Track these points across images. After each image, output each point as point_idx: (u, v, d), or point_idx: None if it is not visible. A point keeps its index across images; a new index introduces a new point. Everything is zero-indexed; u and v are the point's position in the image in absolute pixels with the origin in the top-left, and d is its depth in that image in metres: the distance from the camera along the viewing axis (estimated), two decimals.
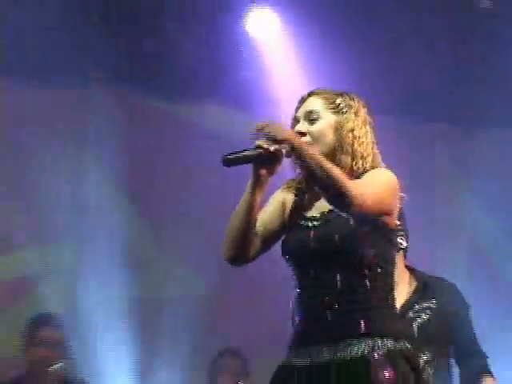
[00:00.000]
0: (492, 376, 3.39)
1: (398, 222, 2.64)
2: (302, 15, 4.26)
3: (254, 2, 4.21)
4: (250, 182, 2.31)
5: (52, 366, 3.86)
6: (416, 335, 3.15)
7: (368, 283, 2.27)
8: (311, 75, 4.30)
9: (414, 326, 3.24)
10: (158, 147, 4.92)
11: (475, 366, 3.37)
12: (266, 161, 2.25)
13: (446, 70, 4.69)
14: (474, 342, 3.38)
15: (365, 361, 2.25)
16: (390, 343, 2.26)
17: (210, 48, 4.34)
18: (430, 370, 3.19)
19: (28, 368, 4.08)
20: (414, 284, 3.29)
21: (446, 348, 3.33)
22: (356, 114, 2.37)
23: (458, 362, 3.36)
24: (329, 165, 2.09)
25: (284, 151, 2.22)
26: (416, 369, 2.30)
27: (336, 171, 2.08)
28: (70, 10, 4.39)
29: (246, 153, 2.23)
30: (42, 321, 4.24)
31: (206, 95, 4.82)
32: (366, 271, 2.28)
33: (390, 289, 2.36)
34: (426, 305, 3.30)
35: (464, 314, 3.38)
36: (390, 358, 2.25)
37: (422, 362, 2.93)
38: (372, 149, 2.34)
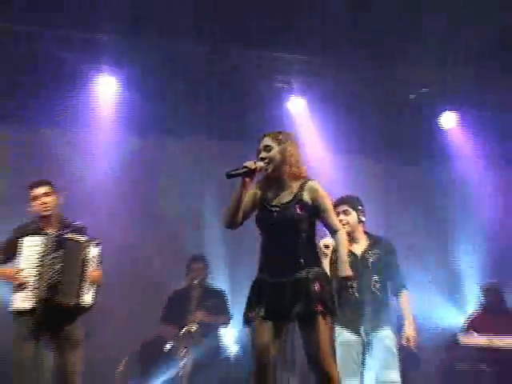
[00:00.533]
0: (407, 290, 5.25)
1: (360, 207, 5.07)
2: (320, 100, 7.13)
3: (292, 94, 7.14)
4: (239, 185, 3.95)
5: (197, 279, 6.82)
6: (370, 268, 5.13)
7: (303, 240, 3.98)
8: (325, 139, 7.19)
9: (370, 262, 5.19)
10: None
11: (398, 284, 5.23)
12: (249, 174, 3.92)
13: None
14: (399, 272, 5.29)
15: (304, 279, 3.94)
16: (316, 270, 3.97)
17: (264, 120, 7.12)
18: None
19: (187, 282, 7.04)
20: (369, 240, 5.22)
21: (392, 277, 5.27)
22: (291, 142, 4.03)
23: (390, 286, 5.21)
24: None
25: (258, 168, 3.91)
26: (330, 285, 4.03)
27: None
28: None
29: (238, 170, 3.89)
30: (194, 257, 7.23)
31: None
32: (302, 234, 3.99)
33: (314, 243, 4.11)
34: (375, 251, 5.18)
35: (394, 257, 5.31)
36: (318, 277, 3.95)
37: (376, 286, 5.10)
38: (300, 162, 4.03)
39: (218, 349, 6.91)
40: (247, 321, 4.17)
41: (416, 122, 7.49)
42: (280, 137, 4.10)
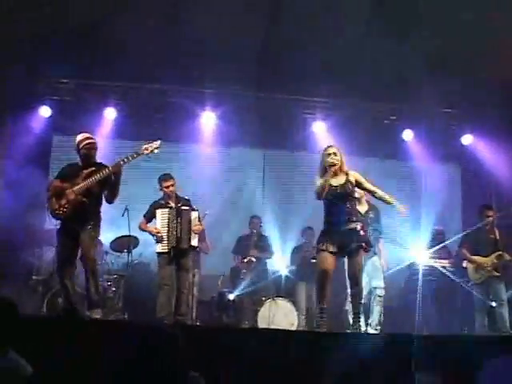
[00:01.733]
0: (382, 239, 8.37)
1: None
2: (337, 124, 11.40)
3: (315, 121, 11.54)
4: (328, 173, 6.80)
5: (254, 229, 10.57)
6: (370, 221, 7.91)
7: (352, 205, 6.87)
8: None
9: (369, 216, 8.02)
10: None
11: (378, 232, 8.24)
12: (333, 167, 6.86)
13: None
14: (380, 225, 8.43)
15: (355, 228, 6.81)
16: (360, 222, 6.92)
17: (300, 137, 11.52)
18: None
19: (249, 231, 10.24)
20: (368, 207, 8.21)
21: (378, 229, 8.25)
22: (342, 153, 7.00)
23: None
24: None
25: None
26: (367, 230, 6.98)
27: None
28: None
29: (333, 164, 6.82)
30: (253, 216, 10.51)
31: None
32: (352, 201, 6.86)
33: (356, 206, 7.08)
34: (371, 213, 8.11)
35: (379, 217, 8.30)
36: (362, 227, 6.85)
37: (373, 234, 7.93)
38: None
39: (265, 272, 10.28)
40: (318, 250, 6.83)
41: (389, 136, 11.79)
42: (339, 149, 7.02)
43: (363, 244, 6.81)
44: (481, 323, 8.88)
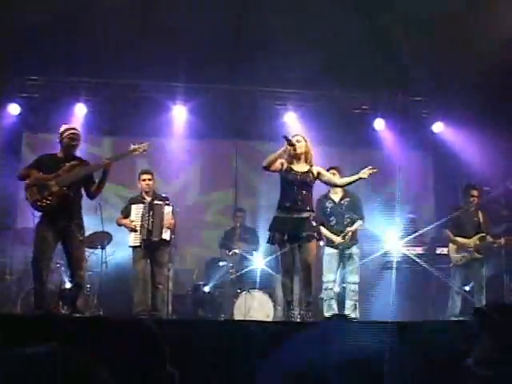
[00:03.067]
0: (362, 219, 8.46)
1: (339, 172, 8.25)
2: (308, 116, 11.57)
3: (287, 111, 11.59)
4: (283, 149, 6.88)
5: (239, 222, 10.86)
6: (343, 210, 8.28)
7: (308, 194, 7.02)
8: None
9: (345, 204, 8.30)
10: None
11: (358, 215, 8.42)
12: (291, 145, 6.82)
13: None
14: (361, 210, 8.53)
15: (308, 219, 6.97)
16: (312, 212, 7.03)
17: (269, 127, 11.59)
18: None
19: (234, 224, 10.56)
20: (343, 192, 8.35)
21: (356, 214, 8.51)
22: (308, 142, 7.17)
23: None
24: None
25: (295, 145, 6.88)
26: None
27: None
28: None
29: (291, 139, 6.84)
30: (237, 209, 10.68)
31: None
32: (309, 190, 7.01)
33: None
34: (345, 200, 8.38)
35: (358, 203, 8.50)
36: (314, 217, 7.04)
37: (347, 221, 8.35)
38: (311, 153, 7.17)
39: (248, 262, 10.13)
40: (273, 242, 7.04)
41: (361, 126, 11.94)
42: (305, 138, 7.23)
43: (315, 234, 6.95)
44: (454, 307, 8.99)
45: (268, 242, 7.11)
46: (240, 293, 9.54)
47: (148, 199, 8.65)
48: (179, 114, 11.58)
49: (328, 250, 8.38)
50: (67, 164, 6.97)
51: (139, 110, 11.24)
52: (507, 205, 10.04)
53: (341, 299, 8.52)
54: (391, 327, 5.67)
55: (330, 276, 8.28)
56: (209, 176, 12.07)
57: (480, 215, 9.30)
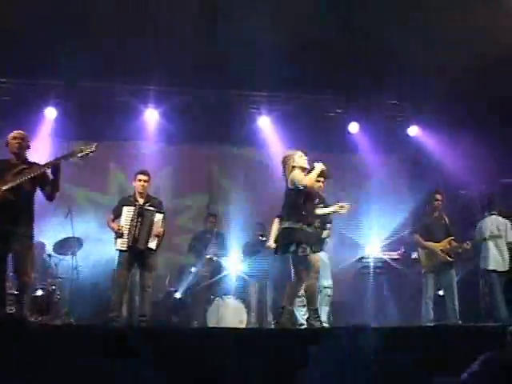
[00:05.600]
0: (331, 223, 8.30)
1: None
2: (282, 120, 11.66)
3: (260, 115, 11.74)
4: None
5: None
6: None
7: None
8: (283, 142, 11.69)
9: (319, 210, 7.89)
10: None
11: (328, 220, 8.29)
12: None
13: None
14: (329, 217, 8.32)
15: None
16: None
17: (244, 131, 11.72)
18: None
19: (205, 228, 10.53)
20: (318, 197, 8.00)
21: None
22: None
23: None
24: None
25: None
26: None
27: None
28: None
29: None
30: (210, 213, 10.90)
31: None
32: None
33: None
34: (319, 204, 7.94)
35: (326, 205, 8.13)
36: None
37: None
38: None
39: (219, 269, 10.24)
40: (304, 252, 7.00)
41: (335, 129, 12.05)
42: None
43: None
44: (427, 313, 9.06)
45: (285, 253, 7.13)
46: (213, 299, 9.60)
47: (140, 201, 8.51)
48: (151, 118, 11.63)
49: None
50: (15, 169, 6.96)
51: (111, 113, 11.21)
52: (482, 208, 10.12)
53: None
54: (372, 332, 5.79)
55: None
56: (182, 180, 12.07)
57: (446, 218, 9.44)
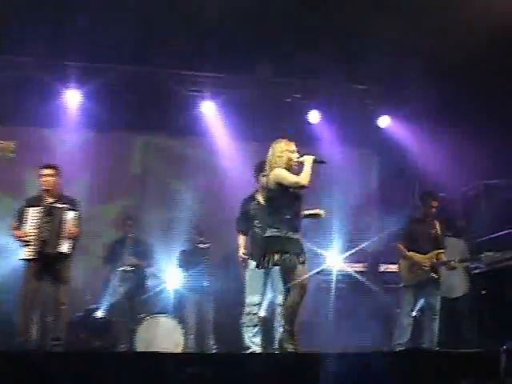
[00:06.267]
0: None
1: None
2: (229, 106, 11.53)
3: (203, 99, 11.58)
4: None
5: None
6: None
7: None
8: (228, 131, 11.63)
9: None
10: None
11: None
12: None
13: None
14: None
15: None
16: None
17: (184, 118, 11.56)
18: None
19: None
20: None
21: None
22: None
23: None
24: None
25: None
26: None
27: None
28: None
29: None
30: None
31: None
32: None
33: None
34: None
35: None
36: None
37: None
38: None
39: (144, 283, 10.21)
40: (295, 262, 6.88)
41: (292, 118, 11.88)
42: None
43: None
44: (402, 333, 9.05)
45: (267, 265, 7.01)
46: (143, 318, 9.47)
47: (49, 200, 8.38)
48: (72, 100, 11.40)
49: (252, 265, 7.99)
50: None
51: (23, 93, 10.98)
52: (466, 214, 10.23)
53: (269, 326, 8.33)
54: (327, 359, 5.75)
55: (255, 298, 8.04)
56: (104, 178, 11.87)
57: (437, 228, 9.39)
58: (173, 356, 7.36)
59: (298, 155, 7.10)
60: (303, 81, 11.89)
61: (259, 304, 8.02)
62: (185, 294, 10.18)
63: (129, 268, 10.12)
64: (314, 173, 7.02)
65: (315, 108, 12.07)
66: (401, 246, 9.40)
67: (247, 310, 8.01)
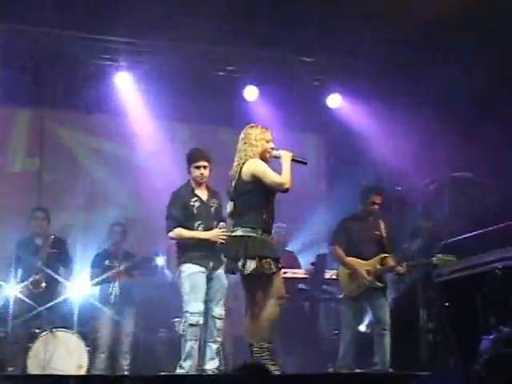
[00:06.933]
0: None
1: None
2: (146, 76, 11.47)
3: (118, 70, 11.43)
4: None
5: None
6: (212, 213, 8.06)
7: None
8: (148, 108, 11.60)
9: (212, 208, 8.06)
10: None
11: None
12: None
13: None
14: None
15: None
16: None
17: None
18: None
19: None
20: (209, 192, 8.26)
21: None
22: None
23: None
24: None
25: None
26: None
27: None
28: None
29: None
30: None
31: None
32: None
33: None
34: (214, 200, 8.22)
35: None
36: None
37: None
38: None
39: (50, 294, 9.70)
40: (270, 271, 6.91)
41: (225, 94, 11.86)
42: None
43: None
44: (345, 354, 9.02)
45: (241, 270, 6.90)
46: (39, 334, 9.28)
47: None
48: None
49: (194, 268, 7.99)
50: None
51: None
52: (426, 212, 10.25)
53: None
54: None
55: (199, 305, 7.91)
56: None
57: (382, 228, 9.34)
58: (72, 379, 7.14)
59: (272, 145, 7.12)
60: (238, 50, 11.81)
61: (204, 313, 7.96)
62: (96, 304, 10.00)
63: (35, 279, 9.71)
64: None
65: (252, 83, 12.08)
66: (338, 250, 9.31)
67: (190, 319, 7.83)
